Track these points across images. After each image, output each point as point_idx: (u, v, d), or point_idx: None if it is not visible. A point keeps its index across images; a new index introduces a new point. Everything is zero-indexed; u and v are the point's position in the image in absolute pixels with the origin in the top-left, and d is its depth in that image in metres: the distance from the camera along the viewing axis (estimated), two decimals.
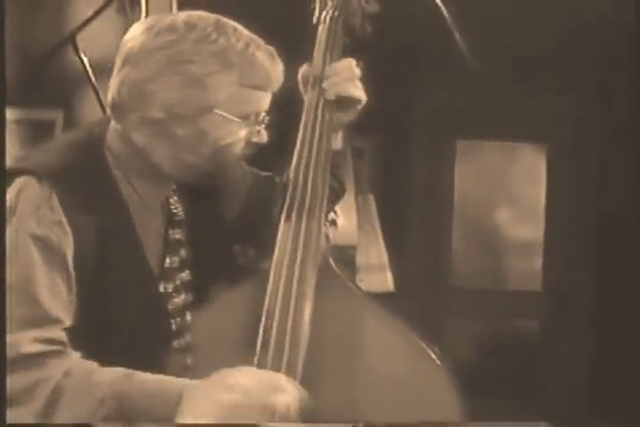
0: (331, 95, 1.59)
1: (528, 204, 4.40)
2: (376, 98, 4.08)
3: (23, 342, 1.37)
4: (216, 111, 1.45)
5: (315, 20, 1.66)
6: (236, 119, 1.47)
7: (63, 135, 1.56)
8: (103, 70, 3.23)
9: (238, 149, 1.51)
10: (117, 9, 3.48)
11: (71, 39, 3.46)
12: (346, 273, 1.60)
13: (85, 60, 3.44)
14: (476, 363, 4.27)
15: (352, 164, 4.35)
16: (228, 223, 1.66)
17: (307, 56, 1.64)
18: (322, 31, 1.64)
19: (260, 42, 1.50)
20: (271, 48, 1.52)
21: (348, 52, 1.64)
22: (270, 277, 1.47)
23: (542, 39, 4.08)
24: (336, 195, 1.73)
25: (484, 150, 4.45)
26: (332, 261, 1.55)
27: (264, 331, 1.43)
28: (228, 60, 1.44)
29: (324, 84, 1.60)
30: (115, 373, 1.37)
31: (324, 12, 1.65)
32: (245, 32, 1.50)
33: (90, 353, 1.42)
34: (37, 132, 3.64)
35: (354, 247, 4.19)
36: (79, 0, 3.78)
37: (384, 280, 4.10)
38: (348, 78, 1.60)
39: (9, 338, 1.37)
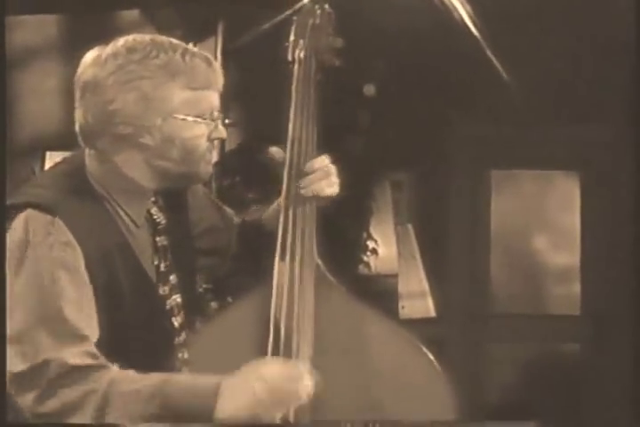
0: (307, 193, 1.72)
1: (564, 230, 4.49)
2: (411, 132, 4.18)
3: (68, 356, 1.49)
4: (175, 116, 1.62)
5: (290, 58, 1.80)
6: (194, 119, 1.63)
7: (49, 169, 1.77)
8: None
9: (203, 146, 1.66)
10: None
11: None
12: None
13: None
14: (518, 387, 4.33)
15: (391, 196, 4.48)
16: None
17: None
18: (298, 68, 1.79)
19: (195, 50, 1.67)
20: (207, 54, 1.68)
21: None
22: (274, 284, 1.61)
23: (573, 67, 4.15)
24: None
25: (519, 180, 4.54)
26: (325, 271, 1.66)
27: (274, 330, 1.58)
28: (172, 70, 1.61)
29: (301, 183, 1.73)
30: (153, 377, 1.50)
31: (297, 51, 1.80)
32: (180, 43, 1.67)
33: (113, 357, 1.55)
34: None
35: (395, 276, 4.31)
36: None
37: (425, 307, 4.23)
38: (323, 177, 1.73)
39: (50, 355, 1.49)
